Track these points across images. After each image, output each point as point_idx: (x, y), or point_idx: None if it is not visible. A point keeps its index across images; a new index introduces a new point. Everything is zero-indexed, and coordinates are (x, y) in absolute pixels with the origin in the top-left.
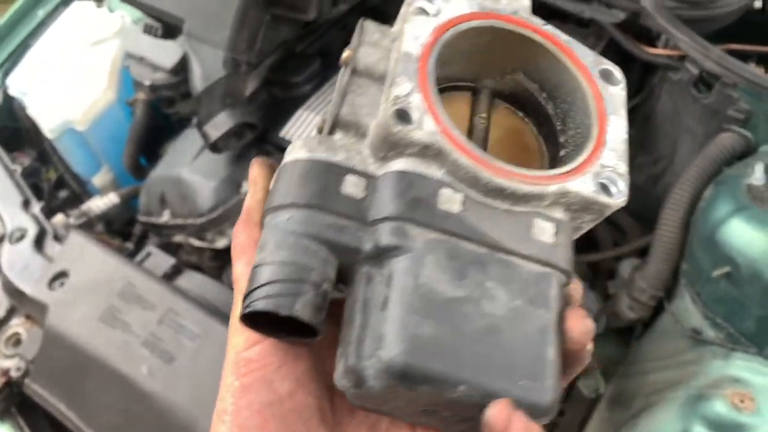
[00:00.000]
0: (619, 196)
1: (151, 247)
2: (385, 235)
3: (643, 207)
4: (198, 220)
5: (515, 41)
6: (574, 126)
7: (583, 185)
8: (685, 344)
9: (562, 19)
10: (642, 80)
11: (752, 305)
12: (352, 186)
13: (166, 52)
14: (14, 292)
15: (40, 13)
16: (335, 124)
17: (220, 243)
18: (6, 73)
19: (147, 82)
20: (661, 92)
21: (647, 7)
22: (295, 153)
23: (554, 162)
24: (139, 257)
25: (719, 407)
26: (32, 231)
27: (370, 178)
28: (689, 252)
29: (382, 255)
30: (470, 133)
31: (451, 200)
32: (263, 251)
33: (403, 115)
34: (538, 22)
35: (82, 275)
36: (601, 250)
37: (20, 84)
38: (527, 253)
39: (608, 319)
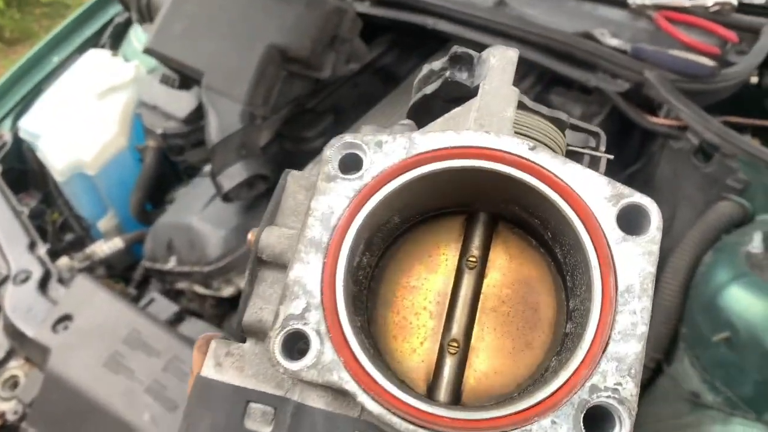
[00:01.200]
0: None
1: (154, 294)
2: None
3: None
4: (205, 268)
5: (488, 177)
6: (580, 296)
7: (552, 430)
8: (684, 407)
9: (566, 85)
10: (642, 146)
11: (751, 370)
12: (257, 418)
13: (179, 103)
14: (16, 334)
15: (55, 59)
16: (243, 330)
17: (226, 291)
18: (18, 116)
19: (159, 130)
20: (660, 159)
21: (651, 79)
22: (206, 366)
23: (561, 336)
24: (142, 303)
25: None
26: (37, 273)
27: (281, 403)
28: (688, 316)
29: None
30: (455, 287)
31: None
32: None
33: (293, 346)
34: (516, 148)
35: (87, 319)
36: None
37: (32, 127)
38: None
39: None
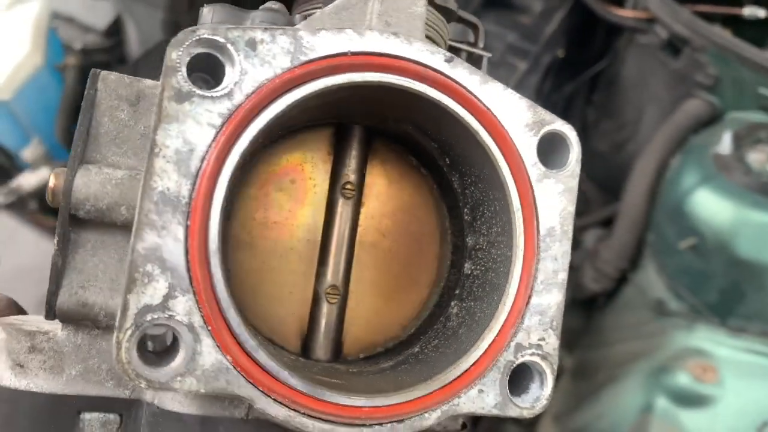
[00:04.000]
0: (538, 401)
1: None
2: None
3: (606, 175)
4: None
5: (393, 94)
6: (488, 237)
7: (480, 400)
8: (649, 316)
9: None
10: (607, 43)
11: (717, 276)
12: (95, 431)
13: (97, 13)
14: None
15: None
16: (60, 318)
17: None
18: None
19: (78, 46)
20: (626, 56)
21: None
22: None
23: (458, 275)
24: None
25: (682, 379)
26: None
27: (128, 408)
28: (655, 223)
29: None
30: (328, 221)
31: None
32: None
33: (152, 347)
34: (430, 58)
35: (13, 260)
36: None
37: None
38: None
39: (572, 290)
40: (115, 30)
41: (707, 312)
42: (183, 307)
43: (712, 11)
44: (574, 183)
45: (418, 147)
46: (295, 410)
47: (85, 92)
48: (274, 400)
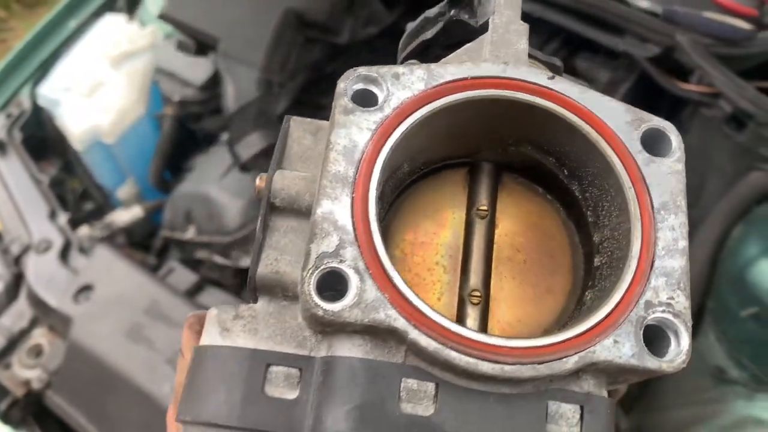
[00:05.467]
0: (677, 356)
1: (173, 263)
2: None
3: None
4: (224, 238)
5: (508, 108)
6: (610, 225)
7: (616, 349)
8: (708, 382)
9: (593, 50)
10: (670, 114)
11: None
12: (280, 383)
13: (196, 69)
14: (38, 304)
15: (72, 24)
16: (255, 289)
17: (245, 262)
18: (36, 83)
19: (176, 98)
20: (690, 127)
21: (682, 43)
22: (208, 334)
23: (589, 271)
24: (161, 272)
25: None
26: (58, 242)
27: (306, 363)
28: (716, 290)
29: None
30: (467, 239)
31: (418, 397)
32: None
33: (328, 288)
34: (535, 77)
35: (108, 290)
36: None
37: (50, 94)
38: None
39: None
40: (210, 85)
41: None
42: (350, 255)
43: None
44: (680, 167)
45: (538, 169)
46: (443, 343)
47: (283, 125)
48: (425, 333)
